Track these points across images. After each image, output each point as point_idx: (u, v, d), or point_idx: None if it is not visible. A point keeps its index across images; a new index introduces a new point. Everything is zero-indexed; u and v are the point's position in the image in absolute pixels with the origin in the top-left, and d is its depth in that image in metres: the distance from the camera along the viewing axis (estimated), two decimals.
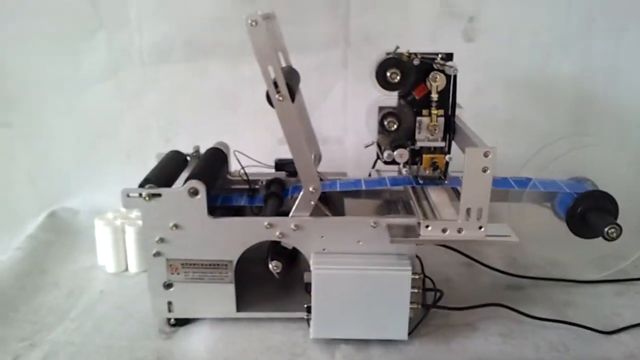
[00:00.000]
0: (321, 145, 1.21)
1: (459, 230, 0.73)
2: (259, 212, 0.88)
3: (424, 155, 0.83)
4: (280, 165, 0.95)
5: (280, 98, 0.72)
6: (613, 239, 0.79)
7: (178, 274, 0.79)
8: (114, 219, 0.98)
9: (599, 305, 0.88)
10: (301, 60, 1.14)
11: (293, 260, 0.82)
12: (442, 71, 0.80)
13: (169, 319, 0.82)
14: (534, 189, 0.83)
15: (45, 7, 1.09)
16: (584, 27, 1.10)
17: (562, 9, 1.10)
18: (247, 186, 0.90)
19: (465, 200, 0.71)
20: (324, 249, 0.78)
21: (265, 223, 0.77)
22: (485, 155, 0.69)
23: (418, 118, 0.82)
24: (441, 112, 0.81)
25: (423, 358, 0.76)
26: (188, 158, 0.93)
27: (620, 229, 0.77)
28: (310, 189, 0.76)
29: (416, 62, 0.80)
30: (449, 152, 0.83)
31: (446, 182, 0.84)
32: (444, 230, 0.73)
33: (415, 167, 0.84)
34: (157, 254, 0.78)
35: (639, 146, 1.14)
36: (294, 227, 0.77)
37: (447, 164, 0.83)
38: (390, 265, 0.75)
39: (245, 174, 0.89)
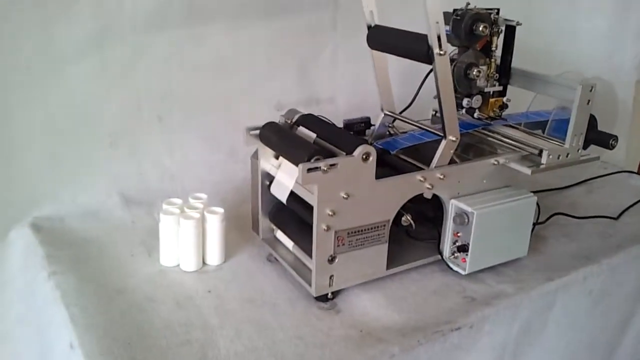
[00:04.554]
0: (314, 106, 1.21)
1: (567, 155, 0.88)
2: None
3: (489, 100, 0.95)
4: (349, 125, 0.95)
5: (442, 52, 0.75)
6: (614, 147, 1.05)
7: (343, 244, 0.77)
8: (182, 211, 0.85)
9: (589, 201, 1.14)
10: (291, 21, 1.12)
11: None
12: (497, 24, 0.93)
13: (324, 295, 0.79)
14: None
15: None
16: None
17: None
18: None
19: (574, 128, 0.87)
20: (458, 193, 0.85)
21: (419, 177, 0.80)
22: (590, 90, 0.85)
23: (481, 67, 0.93)
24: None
25: (540, 266, 0.90)
26: None
27: (617, 139, 1.03)
28: (452, 138, 0.81)
29: (493, 16, 0.91)
30: (505, 95, 0.97)
31: (507, 120, 0.98)
32: (558, 157, 0.88)
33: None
34: (327, 229, 0.74)
35: None
36: (441, 176, 0.82)
37: (505, 105, 0.97)
38: (521, 195, 0.86)
39: None
